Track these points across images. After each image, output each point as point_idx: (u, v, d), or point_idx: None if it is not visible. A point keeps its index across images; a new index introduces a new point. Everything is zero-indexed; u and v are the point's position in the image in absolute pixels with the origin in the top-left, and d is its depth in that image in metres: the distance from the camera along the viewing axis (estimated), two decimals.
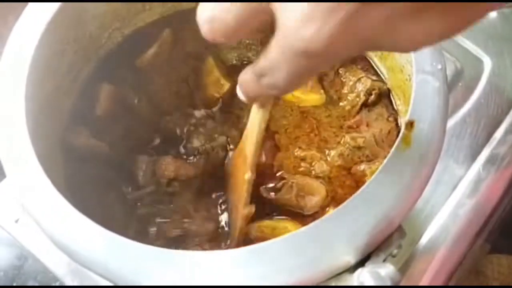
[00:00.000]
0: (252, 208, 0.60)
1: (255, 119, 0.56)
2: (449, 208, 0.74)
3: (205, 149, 0.67)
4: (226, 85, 0.71)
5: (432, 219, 0.73)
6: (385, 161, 0.51)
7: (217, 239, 0.62)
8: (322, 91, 0.70)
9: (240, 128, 0.68)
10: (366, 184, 0.50)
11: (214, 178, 0.66)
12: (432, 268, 0.71)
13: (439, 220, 0.73)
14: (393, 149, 0.51)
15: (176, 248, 0.57)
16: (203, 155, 0.67)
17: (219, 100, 0.71)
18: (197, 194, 0.65)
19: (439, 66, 0.56)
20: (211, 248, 0.61)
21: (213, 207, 0.64)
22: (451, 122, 0.80)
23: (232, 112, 0.70)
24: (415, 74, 0.55)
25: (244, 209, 0.60)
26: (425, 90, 0.54)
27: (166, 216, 0.63)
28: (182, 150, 0.67)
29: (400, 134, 0.52)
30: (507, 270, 1.03)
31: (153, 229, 0.62)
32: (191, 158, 0.67)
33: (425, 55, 0.56)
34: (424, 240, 0.72)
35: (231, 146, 0.67)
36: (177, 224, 0.62)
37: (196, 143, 0.67)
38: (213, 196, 0.65)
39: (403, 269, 0.70)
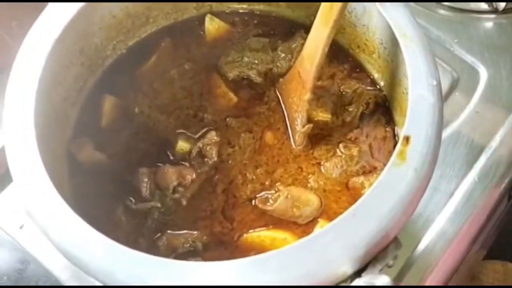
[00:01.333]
0: (309, 129, 0.68)
1: (319, 43, 0.64)
2: (445, 216, 0.75)
3: (198, 149, 0.69)
4: (234, 99, 0.73)
5: (429, 227, 0.75)
6: (381, 175, 0.52)
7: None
8: (330, 115, 0.71)
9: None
10: (363, 197, 0.51)
11: (217, 172, 0.68)
12: (429, 274, 0.72)
13: (435, 228, 0.75)
14: (389, 163, 0.53)
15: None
16: (197, 155, 0.69)
17: (227, 111, 0.73)
18: (200, 194, 0.67)
19: (434, 83, 0.57)
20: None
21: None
22: (447, 131, 0.81)
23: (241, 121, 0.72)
24: (411, 90, 0.57)
25: (302, 128, 0.68)
26: (420, 106, 0.56)
27: (175, 227, 0.64)
28: (176, 155, 0.69)
29: (396, 149, 0.54)
30: (502, 276, 1.04)
31: (162, 243, 0.63)
32: (187, 160, 0.69)
33: (421, 71, 0.58)
34: (421, 246, 0.74)
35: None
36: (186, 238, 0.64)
37: (185, 146, 0.69)
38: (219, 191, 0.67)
39: (400, 275, 0.71)
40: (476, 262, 1.02)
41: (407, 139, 0.54)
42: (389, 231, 0.51)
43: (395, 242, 0.52)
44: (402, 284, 0.71)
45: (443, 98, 0.59)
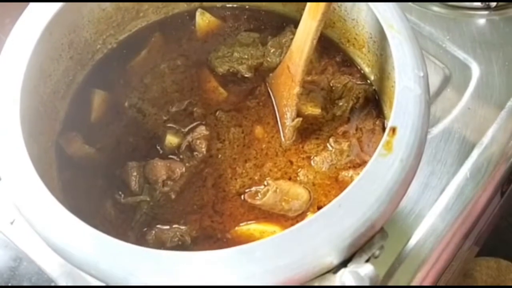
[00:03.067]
0: (298, 123, 0.68)
1: (308, 36, 0.64)
2: (436, 212, 0.75)
3: (188, 144, 0.69)
4: (224, 93, 0.73)
5: (420, 222, 0.75)
6: (367, 166, 0.52)
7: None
8: (319, 110, 0.71)
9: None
10: (349, 188, 0.51)
11: (207, 167, 0.68)
12: (420, 270, 0.72)
13: (426, 224, 0.75)
14: (375, 154, 0.53)
15: None
16: (186, 149, 0.69)
17: (217, 106, 0.73)
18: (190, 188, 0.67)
19: (421, 74, 0.57)
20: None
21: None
22: (439, 127, 0.81)
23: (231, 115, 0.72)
24: (398, 81, 0.57)
25: (292, 122, 0.68)
26: (407, 97, 0.56)
27: (164, 221, 0.64)
28: (165, 149, 0.69)
29: (382, 140, 0.54)
30: (495, 272, 1.04)
31: (151, 237, 0.63)
32: (176, 154, 0.69)
33: (408, 62, 0.58)
34: (412, 242, 0.73)
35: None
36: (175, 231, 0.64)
37: (174, 140, 0.69)
38: (210, 185, 0.67)
39: (391, 271, 0.71)
40: (469, 259, 1.02)
41: (393, 130, 0.54)
42: (375, 221, 0.51)
43: (381, 232, 0.52)
44: (393, 279, 0.71)
45: (429, 91, 0.59)
